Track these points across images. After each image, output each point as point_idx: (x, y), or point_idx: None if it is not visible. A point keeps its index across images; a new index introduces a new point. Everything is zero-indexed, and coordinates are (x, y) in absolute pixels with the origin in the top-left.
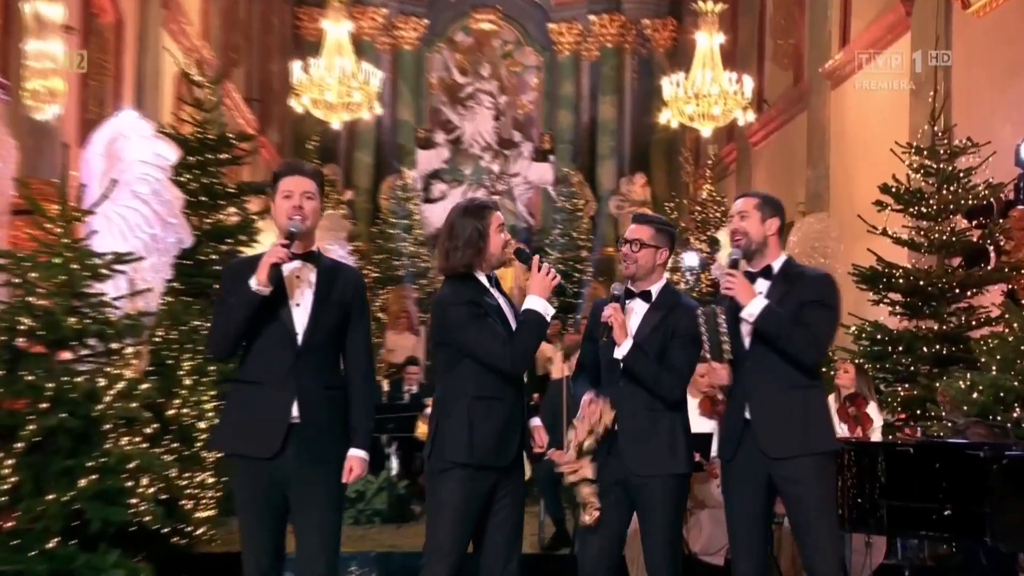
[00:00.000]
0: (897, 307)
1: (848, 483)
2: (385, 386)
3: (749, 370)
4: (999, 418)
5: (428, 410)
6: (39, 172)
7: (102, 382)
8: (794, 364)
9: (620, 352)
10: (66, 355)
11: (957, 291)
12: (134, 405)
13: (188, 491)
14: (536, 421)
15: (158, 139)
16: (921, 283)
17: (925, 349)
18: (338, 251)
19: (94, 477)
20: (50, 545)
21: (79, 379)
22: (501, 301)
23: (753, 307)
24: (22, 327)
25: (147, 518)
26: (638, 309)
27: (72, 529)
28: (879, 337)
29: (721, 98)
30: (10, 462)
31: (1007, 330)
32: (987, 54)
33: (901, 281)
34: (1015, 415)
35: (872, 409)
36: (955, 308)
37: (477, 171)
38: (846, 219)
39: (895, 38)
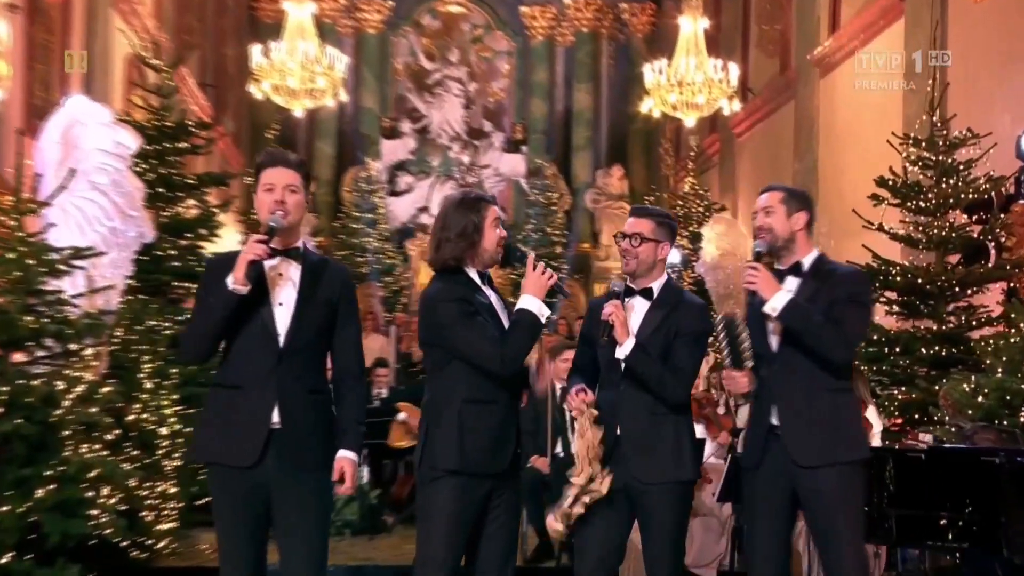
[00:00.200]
0: (894, 306)
1: None
2: None
3: (776, 372)
4: (1005, 423)
5: (401, 416)
6: None
7: (60, 385)
8: (823, 364)
9: (622, 352)
10: (21, 356)
11: (957, 290)
12: (94, 410)
13: (149, 502)
14: None
15: (117, 126)
16: (919, 281)
17: (924, 350)
18: None
19: (52, 487)
20: (4, 560)
21: (36, 382)
22: (493, 299)
23: (776, 301)
24: None
25: (108, 531)
26: (639, 307)
27: (28, 542)
28: (875, 338)
29: (706, 86)
30: None
31: (1012, 330)
32: (985, 41)
33: (898, 279)
34: (1023, 419)
35: (871, 413)
36: (954, 307)
37: (445, 162)
38: (836, 214)
39: (888, 24)
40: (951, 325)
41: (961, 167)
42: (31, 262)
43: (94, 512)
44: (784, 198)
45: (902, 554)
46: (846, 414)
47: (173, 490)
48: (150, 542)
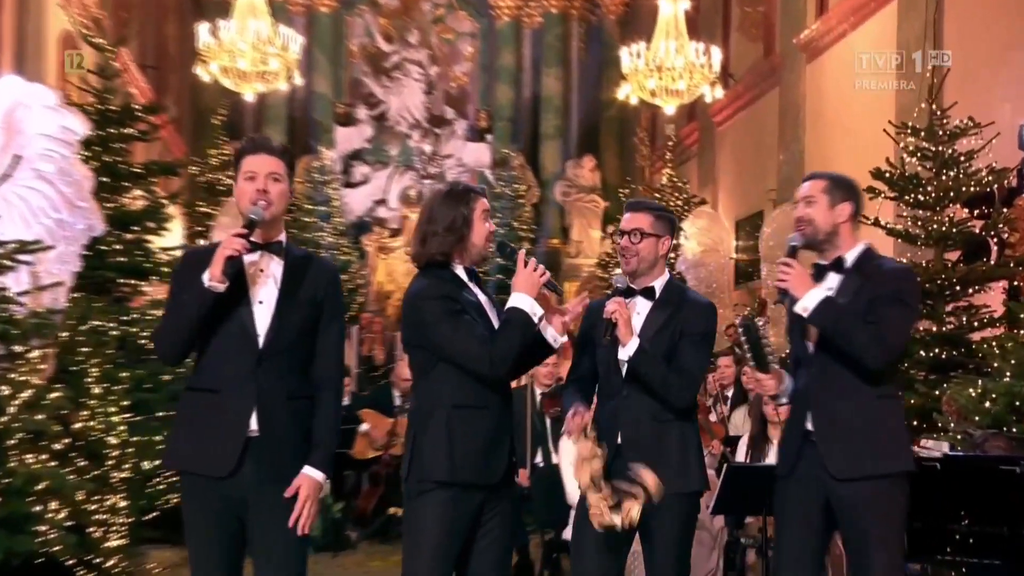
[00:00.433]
0: None
1: None
2: None
3: (813, 376)
4: (1014, 429)
5: (363, 426)
6: None
7: (5, 390)
8: (861, 368)
9: (625, 352)
10: None
11: (957, 288)
12: (41, 417)
13: (97, 517)
14: None
15: (64, 110)
16: (918, 279)
17: (923, 353)
18: None
19: None
20: None
21: None
22: (481, 298)
23: (808, 300)
24: None
25: (56, 548)
26: (641, 308)
27: None
28: None
29: (687, 71)
30: None
31: (1021, 332)
32: (983, 25)
33: None
34: None
35: None
36: (954, 307)
37: (405, 152)
38: None
39: (880, 6)
40: (951, 326)
41: (962, 158)
42: None
43: (42, 528)
44: (828, 187)
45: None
46: (888, 423)
47: (123, 504)
48: (98, 560)
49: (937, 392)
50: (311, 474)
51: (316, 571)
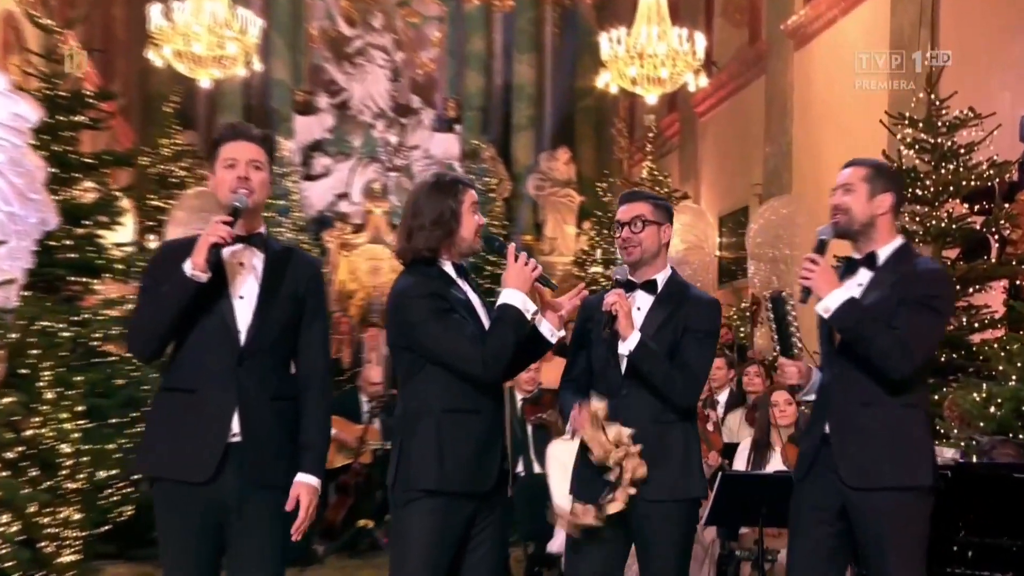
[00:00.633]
0: None
1: None
2: None
3: (835, 378)
4: (1021, 436)
5: (331, 431)
6: None
7: None
8: (881, 375)
9: (625, 347)
10: None
11: (957, 288)
12: None
13: (50, 530)
14: None
15: (15, 96)
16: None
17: None
18: None
19: None
20: None
21: None
22: (471, 295)
23: (830, 300)
24: None
25: (8, 563)
26: (641, 303)
27: None
28: None
29: (669, 58)
30: None
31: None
32: (980, 9)
33: None
34: None
35: None
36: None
37: (369, 143)
38: (813, 203)
39: None
40: (951, 327)
41: (962, 151)
42: None
43: None
44: (868, 175)
45: None
46: (911, 433)
47: (76, 516)
48: None
49: (936, 396)
50: (308, 481)
51: None
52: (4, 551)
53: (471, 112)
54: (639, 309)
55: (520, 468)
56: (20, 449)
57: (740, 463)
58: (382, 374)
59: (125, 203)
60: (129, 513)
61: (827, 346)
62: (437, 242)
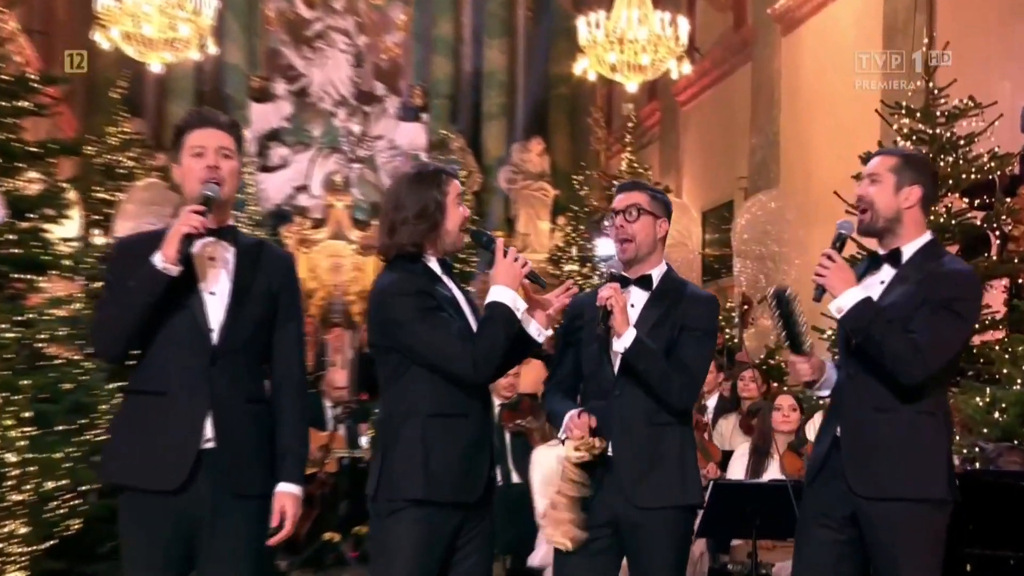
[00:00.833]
0: None
1: None
2: None
3: (849, 380)
4: None
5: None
6: None
7: None
8: (895, 379)
9: (620, 344)
10: None
11: None
12: None
13: None
14: None
15: None
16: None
17: None
18: None
19: None
20: None
21: None
22: (456, 293)
23: (844, 300)
24: None
25: None
26: (636, 299)
27: None
28: None
29: (651, 44)
30: None
31: None
32: None
33: None
34: None
35: None
36: None
37: (330, 132)
38: (802, 197)
39: None
40: None
41: (961, 142)
42: None
43: None
44: (897, 165)
45: None
46: (927, 442)
47: (23, 530)
48: None
49: None
50: (289, 490)
51: None
52: None
53: (439, 100)
54: (633, 306)
55: (498, 477)
56: None
57: (736, 471)
58: (347, 378)
59: (72, 195)
60: (77, 527)
61: (843, 346)
62: (421, 236)
